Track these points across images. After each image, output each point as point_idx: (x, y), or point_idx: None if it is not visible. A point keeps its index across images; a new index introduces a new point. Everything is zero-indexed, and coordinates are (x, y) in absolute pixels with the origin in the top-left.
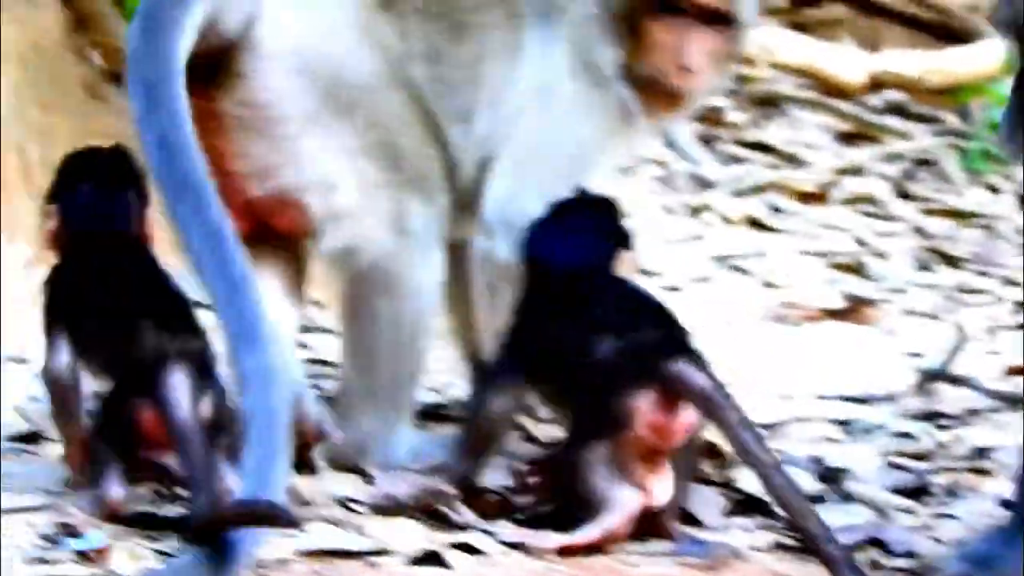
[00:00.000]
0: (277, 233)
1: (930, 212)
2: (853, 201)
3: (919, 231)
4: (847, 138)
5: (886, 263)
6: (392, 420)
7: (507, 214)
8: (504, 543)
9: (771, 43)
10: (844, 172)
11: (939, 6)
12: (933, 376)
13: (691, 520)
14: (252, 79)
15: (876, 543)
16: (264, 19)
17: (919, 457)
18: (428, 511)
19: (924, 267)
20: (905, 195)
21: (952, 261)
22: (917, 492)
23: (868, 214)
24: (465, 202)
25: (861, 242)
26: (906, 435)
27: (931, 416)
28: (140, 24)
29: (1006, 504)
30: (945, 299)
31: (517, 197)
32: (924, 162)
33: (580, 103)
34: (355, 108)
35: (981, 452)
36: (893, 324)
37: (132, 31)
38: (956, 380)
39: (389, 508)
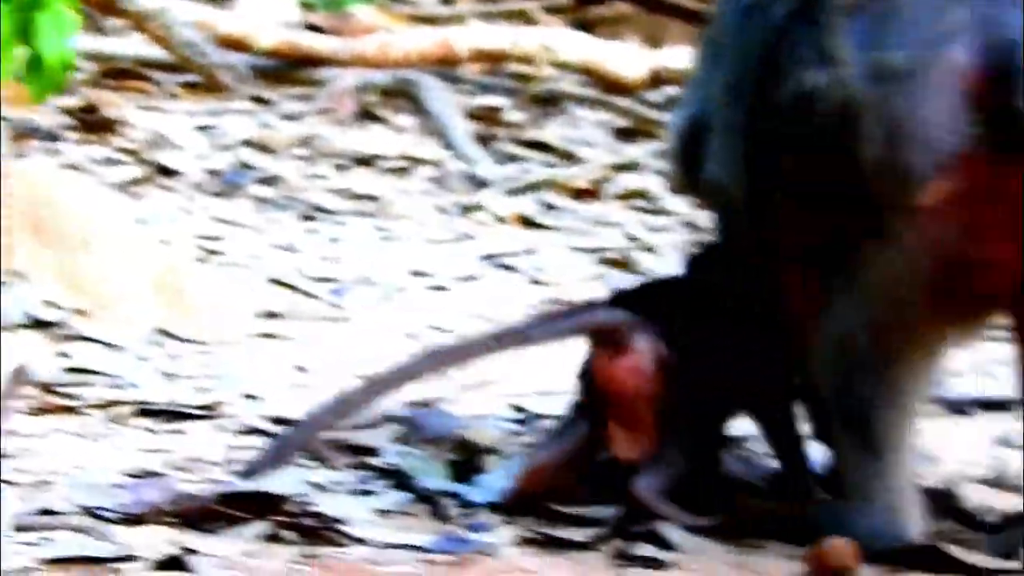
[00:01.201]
0: None
1: (703, 206)
2: (626, 197)
3: (690, 225)
4: (625, 134)
5: (655, 257)
6: None
7: None
8: None
9: (552, 42)
10: (619, 168)
11: None
12: None
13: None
14: None
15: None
16: None
17: None
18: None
19: None
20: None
21: None
22: None
23: (640, 209)
24: None
25: (632, 237)
26: None
27: None
28: None
29: None
30: None
31: None
32: None
33: None
34: None
35: None
36: None
37: None
38: None
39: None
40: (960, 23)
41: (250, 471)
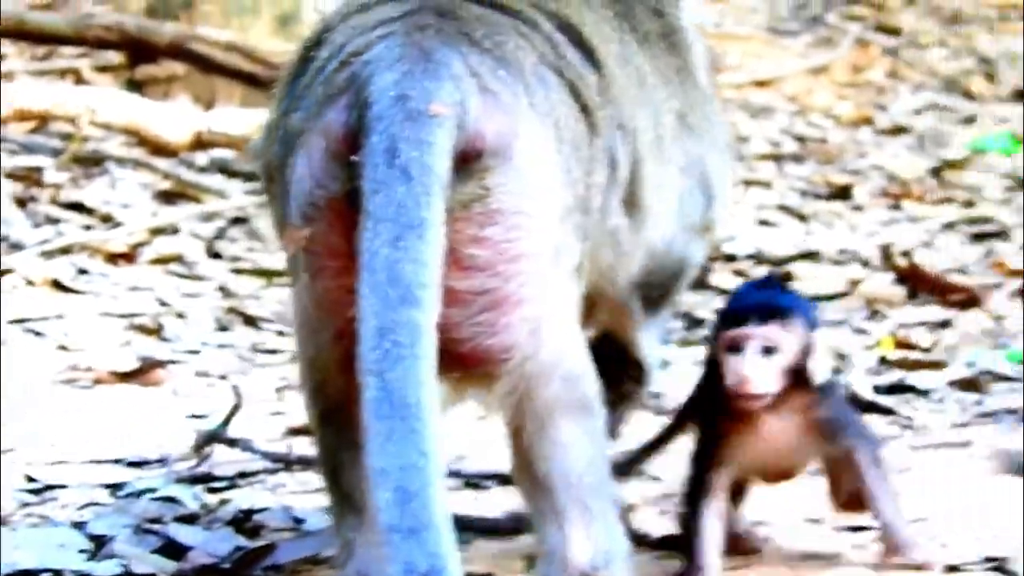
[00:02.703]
0: None
1: (238, 271)
2: (163, 261)
3: (224, 290)
4: (167, 197)
5: (185, 324)
6: None
7: None
8: None
9: (97, 102)
10: (158, 232)
11: (278, 64)
12: (210, 438)
13: None
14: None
15: None
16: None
17: (186, 520)
18: None
19: (223, 327)
20: (216, 254)
21: (252, 321)
22: (173, 553)
23: (176, 274)
24: None
25: (163, 303)
26: (172, 499)
27: (203, 479)
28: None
29: None
30: (239, 360)
31: None
32: (241, 220)
33: None
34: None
35: (247, 514)
36: (183, 386)
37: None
38: (232, 442)
39: None
40: (341, 85)
41: None
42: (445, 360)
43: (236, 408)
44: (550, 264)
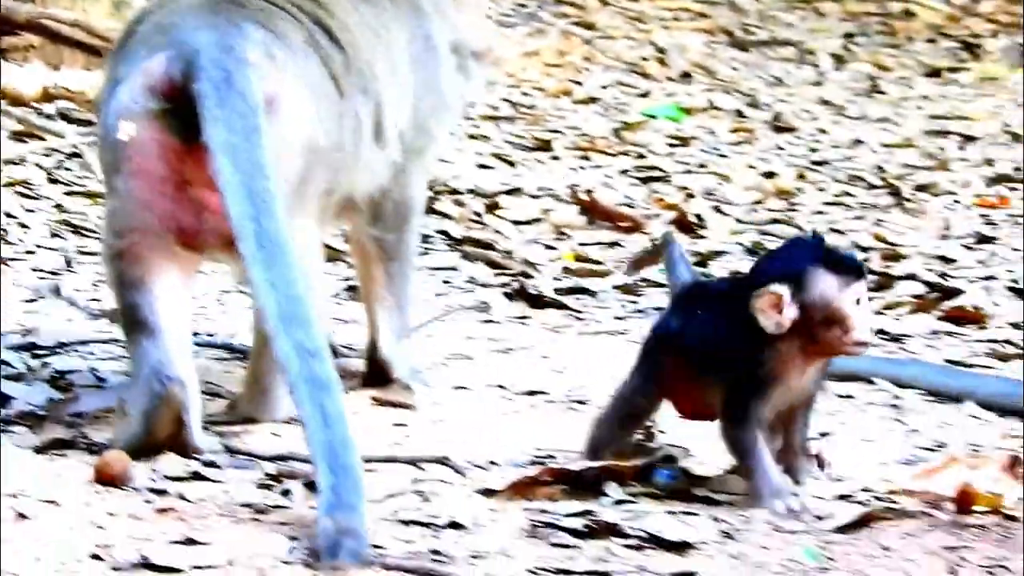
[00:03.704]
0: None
1: (71, 194)
2: (11, 184)
3: (59, 207)
4: (20, 137)
5: (26, 232)
6: None
7: None
8: None
9: None
10: (10, 163)
11: (111, 39)
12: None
13: None
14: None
15: None
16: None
17: (13, 378)
18: None
19: (55, 235)
20: (55, 180)
21: (79, 231)
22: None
23: (23, 195)
24: None
25: (10, 215)
26: (3, 362)
27: (29, 347)
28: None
29: None
30: (67, 260)
31: None
32: (75, 155)
33: None
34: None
35: (62, 374)
36: (21, 278)
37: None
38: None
39: None
40: (161, 43)
41: None
42: (218, 241)
43: (59, 287)
44: (297, 189)
